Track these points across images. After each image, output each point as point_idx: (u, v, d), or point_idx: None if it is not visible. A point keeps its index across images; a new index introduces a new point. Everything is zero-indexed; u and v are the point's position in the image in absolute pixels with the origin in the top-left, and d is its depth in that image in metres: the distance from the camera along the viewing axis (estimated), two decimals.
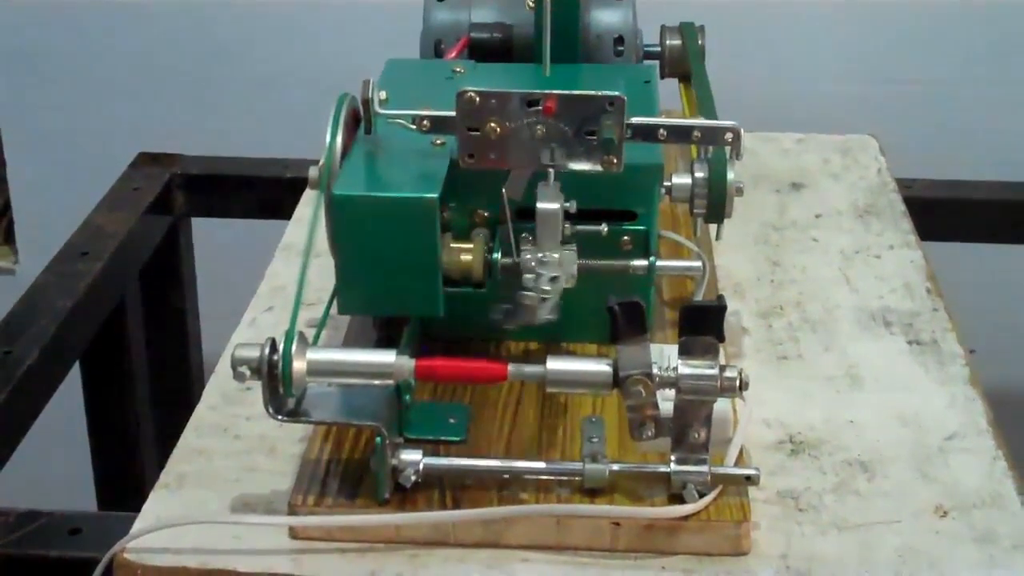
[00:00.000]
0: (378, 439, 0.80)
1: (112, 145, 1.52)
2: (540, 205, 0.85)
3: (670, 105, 1.14)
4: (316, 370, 0.80)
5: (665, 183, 0.95)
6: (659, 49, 1.17)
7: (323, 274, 0.89)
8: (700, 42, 1.17)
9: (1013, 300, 1.71)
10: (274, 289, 1.12)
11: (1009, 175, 1.46)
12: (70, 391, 1.26)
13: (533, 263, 0.86)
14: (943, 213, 1.40)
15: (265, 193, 1.44)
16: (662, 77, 1.16)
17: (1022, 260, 1.58)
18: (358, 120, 0.92)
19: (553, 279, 0.85)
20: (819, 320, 1.08)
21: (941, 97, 1.67)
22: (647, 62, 1.14)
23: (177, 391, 1.43)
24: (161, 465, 0.91)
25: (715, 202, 0.94)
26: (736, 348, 1.03)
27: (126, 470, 1.37)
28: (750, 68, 1.64)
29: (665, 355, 0.82)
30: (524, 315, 0.86)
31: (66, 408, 1.26)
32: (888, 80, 1.67)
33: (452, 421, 0.89)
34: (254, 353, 0.79)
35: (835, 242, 1.20)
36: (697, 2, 1.40)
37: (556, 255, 0.86)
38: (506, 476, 0.84)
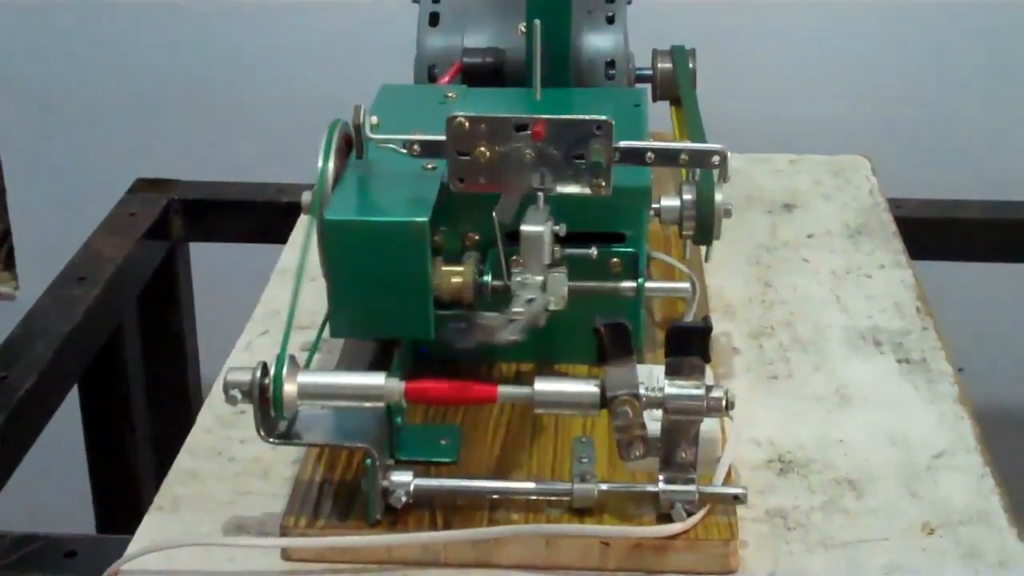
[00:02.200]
0: (368, 461, 0.81)
1: (110, 171, 1.53)
2: (524, 228, 0.86)
3: (663, 128, 1.15)
4: (307, 393, 0.81)
5: (654, 205, 0.96)
6: (651, 72, 1.18)
7: (318, 298, 0.90)
8: (691, 65, 1.18)
9: (1002, 318, 1.71)
10: (270, 313, 1.13)
11: (999, 194, 1.46)
12: (68, 415, 1.27)
13: (518, 285, 0.87)
14: (934, 232, 1.41)
15: (261, 218, 1.45)
16: (654, 100, 1.17)
17: (1012, 279, 1.59)
18: (351, 145, 0.93)
19: (529, 301, 0.85)
20: (809, 340, 1.08)
21: (932, 118, 1.68)
22: (639, 85, 1.15)
23: (175, 414, 1.43)
24: (159, 488, 0.92)
25: (703, 224, 0.95)
26: (727, 368, 1.04)
27: (125, 493, 1.37)
28: (743, 90, 1.65)
29: (654, 375, 0.83)
30: (480, 335, 0.86)
31: (64, 432, 1.26)
32: (880, 101, 1.68)
33: (443, 442, 0.90)
34: (245, 377, 0.80)
35: (826, 262, 1.21)
36: (690, 25, 1.42)
37: (540, 278, 0.87)
38: (496, 497, 0.85)
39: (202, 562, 0.83)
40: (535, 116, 0.86)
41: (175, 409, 1.45)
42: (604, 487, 0.84)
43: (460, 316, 0.89)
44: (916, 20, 1.65)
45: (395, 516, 0.84)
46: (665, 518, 0.83)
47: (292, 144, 1.31)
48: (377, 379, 0.82)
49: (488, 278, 0.91)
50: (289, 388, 0.81)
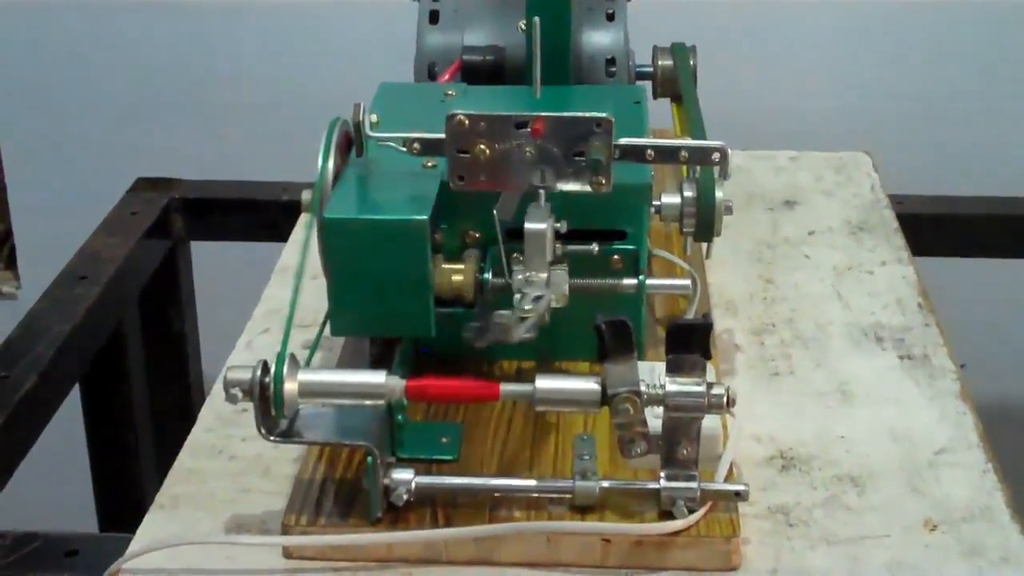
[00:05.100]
0: (369, 459, 0.81)
1: (111, 170, 1.53)
2: (528, 226, 0.86)
3: (664, 125, 1.15)
4: (307, 391, 0.81)
5: (655, 202, 0.95)
6: (651, 70, 1.18)
7: (319, 296, 0.90)
8: (692, 62, 1.18)
9: (1005, 315, 1.71)
10: (270, 311, 1.13)
11: (1001, 190, 1.47)
12: (70, 414, 1.26)
13: (522, 283, 0.87)
14: (935, 229, 1.41)
15: (262, 216, 1.45)
16: (655, 97, 1.17)
17: (1014, 274, 1.59)
18: (351, 143, 0.93)
19: (537, 299, 0.85)
20: (811, 336, 1.08)
21: (934, 114, 1.67)
22: (640, 83, 1.15)
23: (177, 413, 1.44)
24: (161, 487, 0.92)
25: (703, 221, 0.95)
26: (729, 365, 1.04)
27: (126, 492, 1.38)
28: (745, 86, 1.65)
29: (655, 373, 0.83)
30: (497, 333, 0.86)
31: (66, 431, 1.26)
32: (882, 97, 1.68)
33: (444, 440, 0.90)
34: (246, 375, 0.80)
35: (828, 259, 1.21)
36: (691, 22, 1.42)
37: (543, 275, 0.86)
38: (497, 494, 0.85)
39: (203, 560, 0.83)
40: (535, 114, 0.85)
41: (176, 408, 1.45)
42: (605, 484, 0.84)
43: (477, 316, 0.89)
44: (918, 15, 1.65)
45: (396, 514, 0.83)
46: (667, 515, 0.83)
47: (292, 142, 1.31)
48: (378, 377, 0.81)
49: (488, 276, 0.91)
50: (290, 386, 0.80)
